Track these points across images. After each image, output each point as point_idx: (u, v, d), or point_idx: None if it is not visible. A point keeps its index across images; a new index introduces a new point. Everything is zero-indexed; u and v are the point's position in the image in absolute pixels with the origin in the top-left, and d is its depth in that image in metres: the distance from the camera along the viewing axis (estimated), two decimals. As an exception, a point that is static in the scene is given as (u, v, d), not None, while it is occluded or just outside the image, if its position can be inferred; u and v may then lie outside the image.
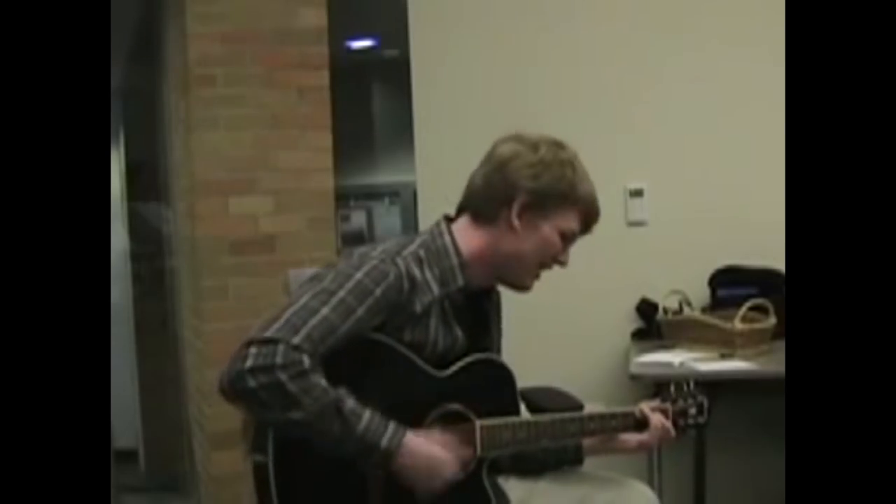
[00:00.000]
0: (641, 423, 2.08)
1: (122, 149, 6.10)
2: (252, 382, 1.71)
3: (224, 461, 3.45)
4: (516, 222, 1.96)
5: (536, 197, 1.95)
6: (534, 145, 1.98)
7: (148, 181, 5.60)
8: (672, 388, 2.17)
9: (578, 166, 2.00)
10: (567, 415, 2.04)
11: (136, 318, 5.95)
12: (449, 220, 2.03)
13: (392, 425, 1.79)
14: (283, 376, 1.71)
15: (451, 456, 1.86)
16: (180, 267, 4.55)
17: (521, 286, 2.03)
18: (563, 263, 2.04)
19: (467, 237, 1.98)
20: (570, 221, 1.99)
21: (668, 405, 2.13)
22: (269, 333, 1.73)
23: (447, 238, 1.97)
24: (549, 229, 1.98)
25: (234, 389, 1.73)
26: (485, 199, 1.99)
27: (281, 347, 1.72)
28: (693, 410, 2.15)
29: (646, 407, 2.10)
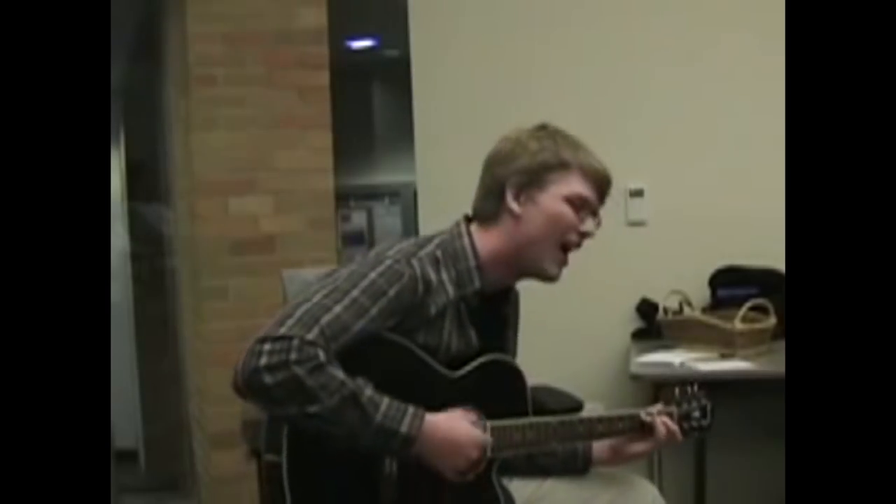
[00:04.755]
0: (647, 428, 2.05)
1: (122, 149, 6.09)
2: (268, 379, 1.70)
3: (224, 461, 3.45)
4: (515, 207, 1.95)
5: (524, 175, 1.94)
6: (510, 137, 2.00)
7: (148, 181, 5.60)
8: (676, 392, 2.14)
9: (562, 138, 1.98)
10: (576, 417, 2.04)
11: (136, 318, 5.95)
12: (468, 219, 2.01)
13: (410, 409, 1.78)
14: (299, 371, 1.70)
15: (473, 432, 1.84)
16: (180, 267, 4.55)
17: (546, 275, 1.98)
18: (588, 234, 1.97)
19: (482, 240, 1.97)
20: (573, 185, 1.95)
21: (672, 408, 2.10)
22: (282, 330, 1.73)
23: (465, 240, 1.96)
24: (550, 199, 1.94)
25: (249, 387, 1.72)
26: (484, 202, 1.99)
27: (295, 342, 1.71)
28: (697, 414, 2.12)
29: (653, 411, 2.08)
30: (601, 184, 1.98)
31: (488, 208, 1.98)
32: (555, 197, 1.94)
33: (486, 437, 1.87)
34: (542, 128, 2.01)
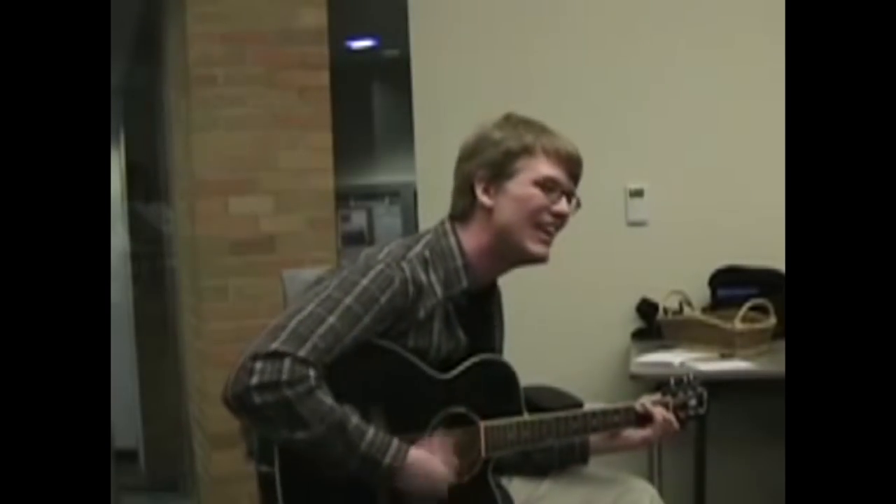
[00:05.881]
0: (644, 418, 2.07)
1: (122, 149, 6.09)
2: (258, 399, 1.70)
3: (224, 461, 3.44)
4: (486, 200, 1.95)
5: (490, 167, 1.94)
6: (475, 131, 2.00)
7: (148, 181, 5.60)
8: (672, 382, 2.16)
9: (525, 124, 1.98)
10: (570, 412, 2.03)
11: (136, 318, 5.95)
12: (453, 218, 2.01)
13: (395, 442, 1.78)
14: (289, 394, 1.69)
15: (450, 471, 1.85)
16: (180, 267, 4.55)
17: (531, 256, 1.96)
18: (561, 214, 1.95)
19: (465, 238, 1.97)
20: (539, 168, 1.93)
21: (668, 399, 2.12)
22: (274, 346, 1.72)
23: (451, 238, 1.96)
24: (517, 185, 1.93)
25: (239, 405, 1.72)
26: (458, 199, 2.00)
27: (287, 362, 1.70)
28: (693, 402, 2.14)
29: (647, 401, 2.10)
30: (569, 164, 1.97)
31: (463, 205, 1.98)
32: (523, 183, 1.93)
33: (454, 477, 1.86)
34: (507, 118, 2.00)
